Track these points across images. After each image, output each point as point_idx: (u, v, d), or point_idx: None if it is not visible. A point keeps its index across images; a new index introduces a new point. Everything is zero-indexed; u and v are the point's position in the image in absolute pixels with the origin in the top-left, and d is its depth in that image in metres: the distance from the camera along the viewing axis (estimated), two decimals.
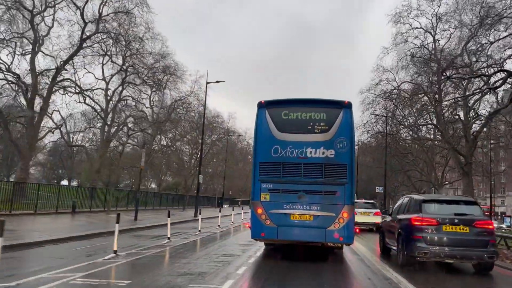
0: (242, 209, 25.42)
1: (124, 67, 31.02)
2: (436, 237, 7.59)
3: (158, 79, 31.38)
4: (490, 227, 7.78)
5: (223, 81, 25.08)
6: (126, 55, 29.88)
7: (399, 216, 9.18)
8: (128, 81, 31.25)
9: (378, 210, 18.57)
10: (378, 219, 17.59)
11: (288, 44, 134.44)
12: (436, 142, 30.14)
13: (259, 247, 10.03)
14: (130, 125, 33.43)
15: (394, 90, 28.89)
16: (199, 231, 13.63)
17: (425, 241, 7.60)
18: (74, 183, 43.60)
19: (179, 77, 33.29)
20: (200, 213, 15.03)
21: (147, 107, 34.31)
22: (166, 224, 16.11)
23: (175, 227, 15.37)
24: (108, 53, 29.41)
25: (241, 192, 65.26)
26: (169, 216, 11.14)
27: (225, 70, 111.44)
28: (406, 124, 29.94)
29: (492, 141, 29.25)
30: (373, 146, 36.22)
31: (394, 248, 9.13)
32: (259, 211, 8.27)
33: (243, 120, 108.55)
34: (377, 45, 59.68)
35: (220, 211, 18.33)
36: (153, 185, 52.18)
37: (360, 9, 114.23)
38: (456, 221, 7.65)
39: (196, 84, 36.15)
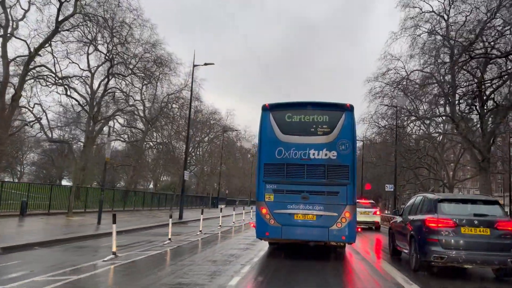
0: (234, 210, 21.97)
1: (109, 55, 29.50)
2: (453, 240, 6.99)
3: (149, 70, 30.29)
4: None
5: (212, 63, 23.44)
6: (111, 42, 28.33)
7: (411, 217, 8.53)
8: (115, 71, 29.66)
9: (377, 209, 20.13)
10: (377, 218, 19.61)
11: (291, 43, 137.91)
12: (449, 136, 28.41)
13: (239, 268, 7.27)
14: (120, 120, 31.98)
15: (404, 81, 27.32)
16: (169, 239, 11.00)
17: (441, 244, 7.01)
18: (68, 183, 42.24)
19: (173, 69, 31.83)
20: (171, 217, 11.89)
21: (136, 100, 32.83)
22: (138, 229, 14.03)
23: (145, 233, 13.40)
24: (94, 42, 27.94)
25: (239, 192, 63.77)
26: (114, 222, 8.32)
27: (227, 69, 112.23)
28: (417, 115, 28.15)
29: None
30: (379, 142, 34.72)
31: (406, 251, 8.59)
32: (264, 211, 8.70)
33: (243, 119, 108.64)
34: (381, 42, 58.30)
35: (202, 213, 15.66)
36: (152, 185, 51.26)
37: (364, 6, 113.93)
38: (476, 222, 7.03)
39: (190, 77, 34.44)
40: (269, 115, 9.03)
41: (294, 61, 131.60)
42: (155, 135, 35.40)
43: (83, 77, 28.86)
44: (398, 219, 9.71)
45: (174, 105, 34.19)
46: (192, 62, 24.74)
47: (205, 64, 23.17)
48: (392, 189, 26.85)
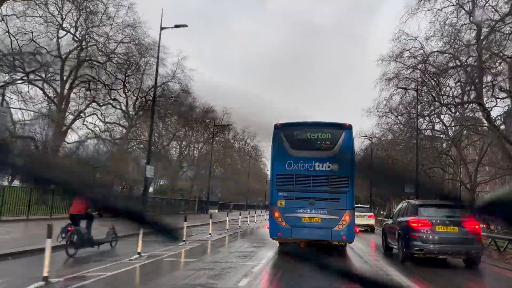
0: (211, 217, 20.38)
1: (79, 35, 32.87)
2: (430, 236, 11.62)
3: (129, 56, 33.77)
4: (476, 227, 11.90)
5: (185, 26, 23.03)
6: (81, 20, 31.66)
7: (399, 219, 13.49)
8: (91, 58, 33.08)
9: (372, 214, 27.96)
10: (371, 221, 27.45)
11: (295, 45, 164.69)
12: (474, 129, 31.54)
13: None
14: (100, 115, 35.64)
15: (422, 64, 29.91)
16: (45, 279, 7.58)
17: (421, 239, 11.63)
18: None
19: (160, 60, 34.87)
20: (49, 237, 8.01)
21: (112, 89, 36.23)
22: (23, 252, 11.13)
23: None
24: (61, 17, 31.37)
25: (236, 196, 69.03)
26: None
27: (229, 71, 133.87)
28: (442, 102, 30.90)
29: None
30: (389, 140, 38.97)
31: (395, 246, 13.47)
32: (276, 214, 13.13)
33: (241, 118, 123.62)
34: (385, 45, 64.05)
35: (140, 230, 11.39)
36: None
37: (369, 9, 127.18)
38: (447, 222, 11.77)
39: (178, 67, 37.87)
40: (280, 132, 13.59)
41: (296, 62, 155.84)
42: (146, 133, 39.40)
43: (35, 51, 30.97)
44: (390, 221, 14.80)
45: (161, 99, 38.19)
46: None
47: (176, 26, 22.62)
48: (413, 190, 30.76)
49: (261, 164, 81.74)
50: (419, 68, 30.49)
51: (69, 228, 10.99)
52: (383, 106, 34.15)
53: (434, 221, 11.65)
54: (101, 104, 35.59)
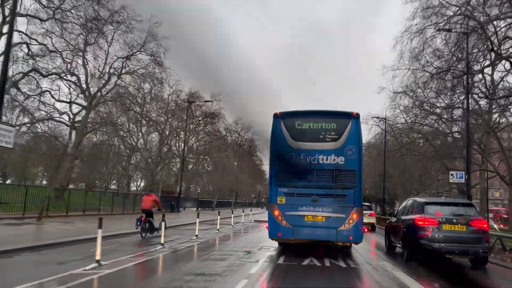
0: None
1: None
2: (437, 235, 14.73)
3: (88, 19, 35.54)
4: (484, 225, 15.11)
5: None
6: None
7: (403, 217, 16.81)
8: (26, 12, 33.84)
9: (372, 212, 34.56)
10: (372, 220, 34.17)
11: (297, 44, 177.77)
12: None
13: None
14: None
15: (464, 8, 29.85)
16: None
17: (427, 238, 14.72)
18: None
19: (130, 28, 37.63)
20: None
21: (62, 56, 37.66)
22: None
23: None
24: None
25: (222, 192, 73.24)
26: None
27: (232, 71, 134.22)
28: (500, 52, 30.15)
29: None
30: (403, 125, 43.27)
31: (399, 245, 16.82)
32: (276, 213, 15.43)
33: (237, 113, 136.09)
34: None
35: None
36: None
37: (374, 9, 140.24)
38: (454, 220, 14.93)
39: (149, 35, 40.33)
40: (281, 122, 15.83)
41: (298, 60, 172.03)
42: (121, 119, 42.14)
43: None
44: (393, 219, 18.12)
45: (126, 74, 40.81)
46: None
47: None
48: (463, 180, 27.53)
49: (257, 159, 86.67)
50: (463, 10, 30.34)
51: (142, 219, 20.42)
52: (411, 60, 34.98)
53: (440, 219, 14.75)
54: (44, 74, 36.47)
